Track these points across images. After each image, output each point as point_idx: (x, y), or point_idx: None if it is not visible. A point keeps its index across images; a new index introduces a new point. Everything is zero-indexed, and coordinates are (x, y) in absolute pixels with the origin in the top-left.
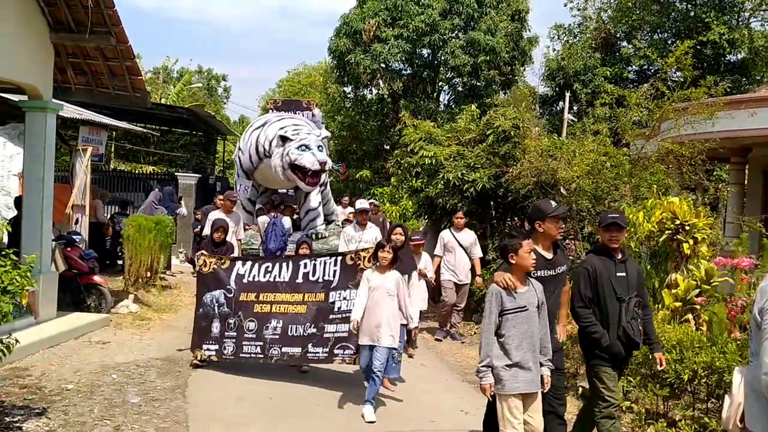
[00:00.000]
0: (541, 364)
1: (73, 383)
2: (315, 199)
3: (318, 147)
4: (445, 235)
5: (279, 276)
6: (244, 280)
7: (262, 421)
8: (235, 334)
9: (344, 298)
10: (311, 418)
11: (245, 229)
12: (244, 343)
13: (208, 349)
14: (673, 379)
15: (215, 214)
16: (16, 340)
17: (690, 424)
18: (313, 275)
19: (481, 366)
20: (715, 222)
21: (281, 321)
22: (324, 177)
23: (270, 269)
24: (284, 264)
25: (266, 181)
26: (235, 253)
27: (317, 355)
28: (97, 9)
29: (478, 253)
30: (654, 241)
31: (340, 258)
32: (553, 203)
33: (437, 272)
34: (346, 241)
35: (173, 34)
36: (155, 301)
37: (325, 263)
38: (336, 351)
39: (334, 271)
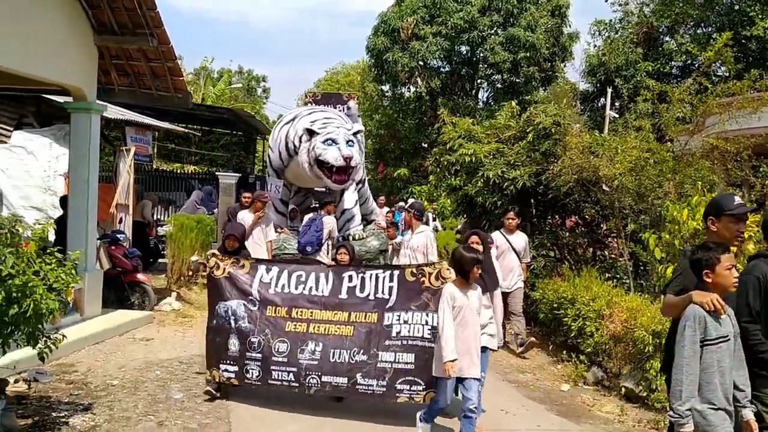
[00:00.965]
0: (743, 405)
1: (118, 379)
2: (350, 198)
3: (347, 142)
4: (497, 237)
5: (316, 288)
6: (271, 290)
7: (305, 419)
8: (260, 355)
9: (405, 322)
10: (358, 413)
11: (278, 232)
12: (273, 367)
13: (226, 370)
14: None
15: (244, 215)
16: (63, 336)
17: None
18: (362, 291)
19: (683, 409)
20: (761, 219)
21: (321, 344)
22: (360, 173)
23: (303, 279)
24: (322, 275)
25: (298, 179)
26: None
27: (371, 388)
28: (139, 11)
29: (527, 257)
30: (699, 239)
31: (397, 273)
32: (737, 199)
33: None
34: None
35: (214, 36)
36: (197, 299)
37: (377, 277)
38: (399, 386)
39: (390, 287)
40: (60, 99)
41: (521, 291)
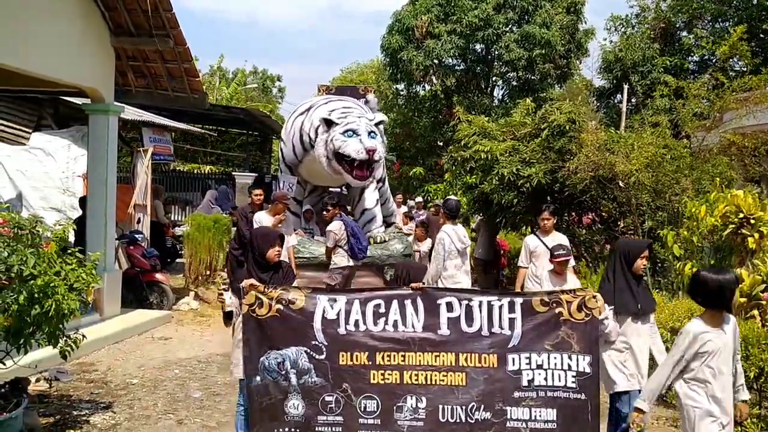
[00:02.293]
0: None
1: (138, 378)
2: (371, 197)
3: (369, 133)
4: (531, 241)
5: (404, 323)
6: (341, 330)
7: None
8: (341, 419)
9: (539, 367)
10: None
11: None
12: None
13: None
14: None
15: (261, 217)
16: (83, 336)
17: (756, 422)
18: (469, 324)
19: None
20: None
21: (424, 398)
22: (379, 171)
23: (383, 311)
24: (408, 303)
25: (313, 176)
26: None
27: None
28: (156, 13)
29: (570, 261)
30: (717, 235)
31: (520, 301)
32: None
33: (521, 287)
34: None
35: (229, 36)
36: (214, 298)
37: (490, 306)
38: None
39: (511, 320)
40: (78, 101)
41: None
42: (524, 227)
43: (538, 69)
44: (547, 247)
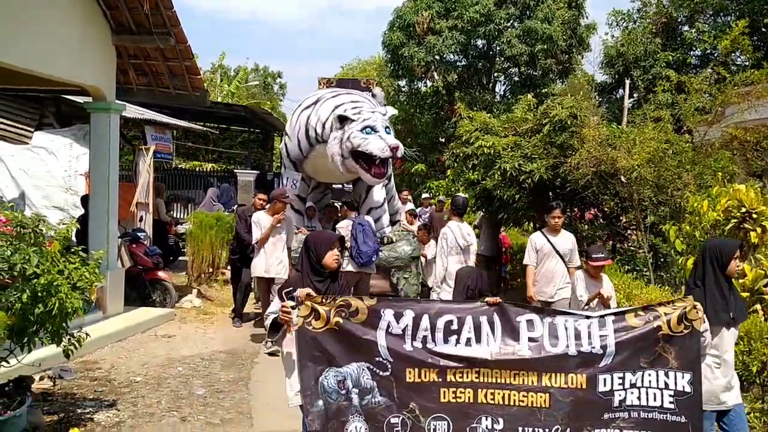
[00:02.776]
0: None
1: (141, 376)
2: (379, 194)
3: (386, 129)
4: (537, 239)
5: (478, 341)
6: (407, 346)
7: None
8: None
9: (632, 386)
10: None
11: (295, 233)
12: None
13: None
14: (741, 371)
15: (260, 217)
16: (87, 334)
17: (759, 417)
18: (554, 343)
19: None
20: None
21: (501, 419)
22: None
23: (455, 327)
24: (483, 320)
25: (319, 172)
26: (284, 271)
27: None
28: (157, 11)
29: (576, 261)
30: (720, 230)
31: (611, 317)
32: None
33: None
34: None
35: (228, 34)
36: (217, 296)
37: (576, 323)
38: None
39: (603, 338)
40: (79, 99)
41: (567, 303)
42: (526, 223)
43: (539, 64)
44: (553, 246)
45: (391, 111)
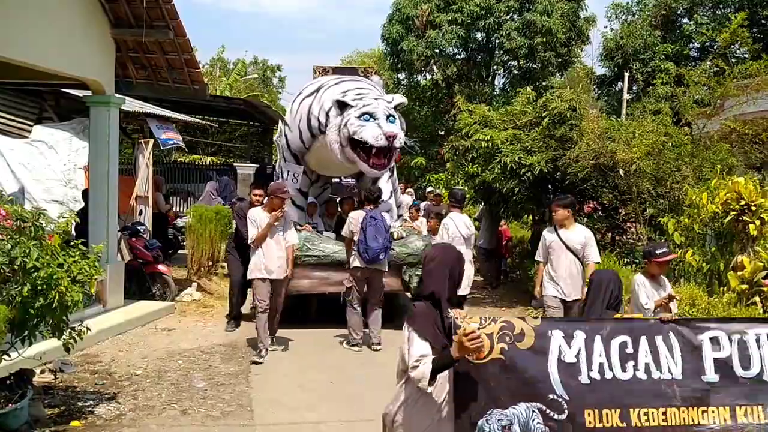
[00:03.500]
0: None
1: (141, 369)
2: (385, 188)
3: (388, 117)
4: (547, 234)
5: (658, 367)
6: (583, 378)
7: (326, 406)
8: None
9: None
10: (376, 402)
11: (298, 230)
12: None
13: None
14: None
15: (257, 214)
16: (87, 328)
17: None
18: (746, 365)
19: None
20: None
21: None
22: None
23: (631, 350)
24: (658, 338)
25: (322, 165)
26: (285, 270)
27: None
28: (155, 4)
29: (593, 256)
30: (719, 222)
31: None
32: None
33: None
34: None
35: (227, 27)
36: (217, 289)
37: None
38: None
39: None
40: (79, 93)
41: (580, 305)
42: (526, 216)
43: (539, 57)
44: (563, 241)
45: (399, 99)
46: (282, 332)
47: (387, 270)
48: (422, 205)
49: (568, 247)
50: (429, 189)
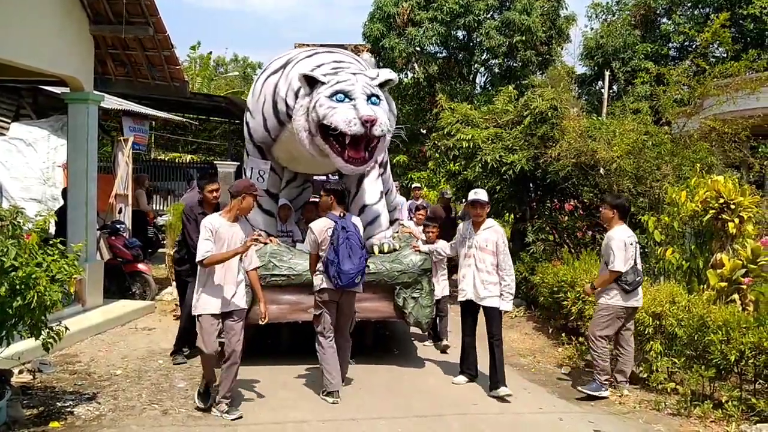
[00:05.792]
0: None
1: (121, 369)
2: (373, 188)
3: (369, 97)
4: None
5: None
6: None
7: (307, 405)
8: None
9: None
10: (355, 399)
11: (265, 241)
12: None
13: None
14: (720, 360)
15: (214, 221)
16: (66, 328)
17: (737, 405)
18: None
19: None
20: (761, 200)
21: None
22: (381, 153)
23: None
24: None
25: (293, 160)
26: (243, 299)
27: None
28: (135, 0)
29: (617, 263)
30: (698, 220)
31: None
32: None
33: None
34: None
35: (208, 24)
36: None
37: None
38: None
39: None
40: (57, 90)
41: (604, 312)
42: (507, 214)
43: (519, 56)
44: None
45: (387, 74)
46: (246, 370)
47: (361, 291)
48: (408, 203)
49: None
50: (415, 185)
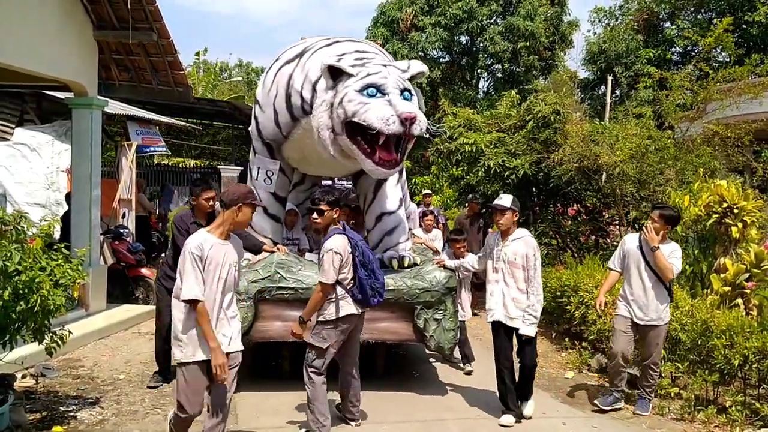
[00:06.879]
0: None
1: (124, 373)
2: (393, 195)
3: (402, 92)
4: (629, 240)
5: None
6: None
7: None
8: None
9: None
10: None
11: (269, 251)
12: None
13: None
14: (723, 364)
15: (202, 239)
16: (69, 332)
17: (741, 410)
18: None
19: None
20: (764, 205)
21: None
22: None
23: None
24: None
25: (306, 160)
26: (239, 339)
27: None
28: (139, 5)
29: (669, 271)
30: (701, 225)
31: None
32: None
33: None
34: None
35: (212, 29)
36: None
37: None
38: None
39: None
40: (61, 95)
41: (660, 331)
42: None
43: (522, 61)
44: (643, 254)
45: (418, 67)
46: (241, 396)
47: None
48: (418, 210)
49: (646, 261)
50: (425, 192)
